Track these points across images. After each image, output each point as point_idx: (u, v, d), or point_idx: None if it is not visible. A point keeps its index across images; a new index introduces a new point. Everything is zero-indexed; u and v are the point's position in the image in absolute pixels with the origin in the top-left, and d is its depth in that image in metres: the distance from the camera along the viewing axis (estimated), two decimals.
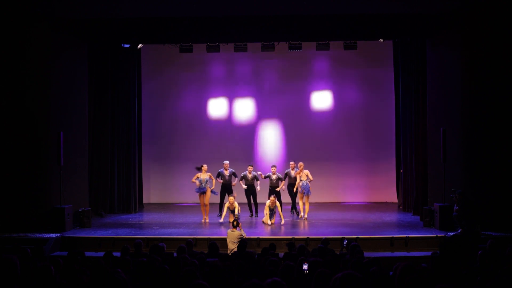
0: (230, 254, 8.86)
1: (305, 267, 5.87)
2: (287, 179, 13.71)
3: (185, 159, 16.79)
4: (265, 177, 13.69)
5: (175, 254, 7.64)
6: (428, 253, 9.03)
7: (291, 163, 13.79)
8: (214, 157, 16.10)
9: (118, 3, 11.49)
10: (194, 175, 13.16)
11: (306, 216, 13.09)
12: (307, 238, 10.66)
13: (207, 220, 12.96)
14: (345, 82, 16.80)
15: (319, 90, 16.87)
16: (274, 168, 13.77)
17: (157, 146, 16.92)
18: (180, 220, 13.35)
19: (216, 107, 16.93)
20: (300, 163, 13.32)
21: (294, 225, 12.45)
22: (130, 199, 14.89)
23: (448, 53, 12.24)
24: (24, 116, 11.75)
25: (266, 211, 12.41)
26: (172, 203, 16.48)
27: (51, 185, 11.94)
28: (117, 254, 7.81)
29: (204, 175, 13.05)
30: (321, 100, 16.85)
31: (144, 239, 9.94)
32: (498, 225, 10.84)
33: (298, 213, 13.61)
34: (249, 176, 13.60)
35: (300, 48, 13.92)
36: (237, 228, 10.43)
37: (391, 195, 16.35)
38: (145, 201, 16.31)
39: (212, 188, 13.12)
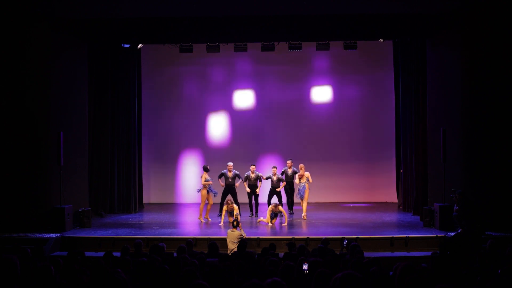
0: (230, 254, 8.86)
1: (305, 267, 5.87)
2: (284, 177, 13.78)
3: (185, 159, 16.82)
4: (266, 179, 13.70)
5: (175, 254, 7.64)
6: (428, 253, 9.04)
7: (288, 161, 13.88)
8: (214, 157, 16.13)
9: (118, 3, 11.49)
10: (200, 176, 13.08)
11: (304, 214, 13.22)
12: (307, 238, 10.66)
13: (209, 219, 13.00)
14: (345, 82, 16.80)
15: (320, 90, 16.88)
16: (275, 169, 13.77)
17: (157, 146, 16.92)
18: (180, 220, 13.36)
19: (216, 107, 16.92)
20: (301, 165, 13.30)
21: (294, 225, 12.44)
22: (130, 199, 14.89)
23: (448, 53, 12.24)
24: (24, 116, 11.75)
25: (268, 216, 12.41)
26: (172, 203, 16.48)
27: (51, 185, 11.94)
28: (117, 254, 7.81)
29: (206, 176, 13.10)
30: (321, 100, 16.86)
31: (144, 239, 9.94)
32: (498, 225, 10.83)
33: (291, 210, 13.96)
34: (252, 176, 13.60)
35: (300, 48, 13.92)
36: (237, 228, 10.43)
37: (391, 195, 16.35)
38: (145, 201, 16.31)
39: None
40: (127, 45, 14.15)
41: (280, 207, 12.49)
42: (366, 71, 16.58)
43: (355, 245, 7.65)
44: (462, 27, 11.58)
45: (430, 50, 13.00)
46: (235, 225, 10.44)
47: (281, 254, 8.05)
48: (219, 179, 13.61)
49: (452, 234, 10.72)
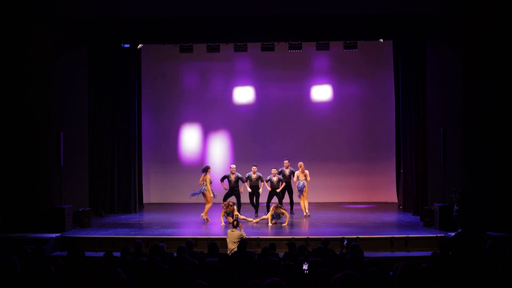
0: (230, 254, 8.86)
1: (305, 267, 5.87)
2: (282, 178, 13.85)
3: (185, 159, 16.82)
4: (267, 181, 13.71)
5: (175, 254, 7.64)
6: (428, 253, 9.03)
7: (285, 161, 13.93)
8: (214, 157, 16.14)
9: (118, 3, 11.49)
10: (202, 177, 13.09)
11: (307, 212, 13.40)
12: (307, 238, 10.66)
13: (209, 219, 13.03)
14: (345, 82, 16.80)
15: (320, 90, 16.88)
16: (275, 170, 13.78)
17: (157, 146, 16.92)
18: (180, 220, 13.36)
19: (216, 107, 16.92)
20: (300, 163, 13.43)
21: (294, 225, 12.44)
22: (130, 199, 14.88)
23: (448, 53, 12.24)
24: (24, 116, 11.75)
25: (269, 216, 12.43)
26: (172, 203, 16.48)
27: (51, 185, 11.94)
28: (117, 254, 7.81)
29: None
30: (321, 100, 16.86)
31: (144, 239, 9.94)
32: (498, 225, 10.83)
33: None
34: (254, 176, 13.62)
35: (300, 48, 13.93)
36: (237, 228, 10.43)
37: (391, 195, 16.34)
38: (145, 201, 16.31)
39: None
40: (127, 45, 14.15)
41: (281, 208, 12.50)
42: (366, 71, 16.58)
43: (355, 245, 7.65)
44: (462, 27, 11.58)
45: (430, 50, 13.00)
46: (235, 225, 10.43)
47: (281, 254, 8.05)
48: (222, 182, 13.64)
49: (453, 234, 10.72)
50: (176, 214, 14.38)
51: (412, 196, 14.09)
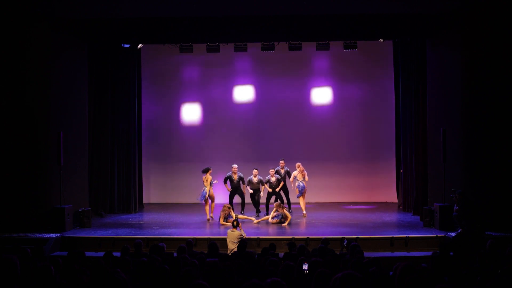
0: (230, 254, 8.86)
1: (305, 267, 5.88)
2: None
3: (185, 159, 16.82)
4: (266, 182, 13.72)
5: (175, 254, 7.64)
6: (428, 253, 9.03)
7: (281, 161, 13.96)
8: (214, 157, 16.12)
9: (118, 3, 11.49)
10: (204, 178, 13.10)
11: (305, 213, 13.43)
12: (307, 238, 10.66)
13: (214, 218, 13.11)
14: (345, 82, 16.79)
15: (319, 90, 16.88)
16: (273, 170, 13.79)
17: (157, 146, 16.92)
18: (180, 220, 13.36)
19: (216, 107, 16.93)
20: (298, 163, 13.46)
21: (294, 225, 12.44)
22: (130, 199, 14.88)
23: (448, 53, 12.24)
24: (24, 116, 11.75)
25: (273, 214, 12.45)
26: (172, 203, 16.47)
27: (51, 185, 11.94)
28: (117, 254, 7.81)
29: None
30: (321, 100, 16.87)
31: (144, 239, 9.94)
32: (498, 225, 10.83)
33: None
34: (255, 180, 13.64)
35: (300, 48, 13.93)
36: (237, 228, 10.43)
37: (391, 195, 16.34)
38: (145, 201, 16.31)
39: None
40: (127, 45, 14.15)
41: (284, 208, 12.49)
42: (366, 71, 16.58)
43: (355, 245, 7.65)
44: (462, 27, 11.57)
45: (430, 50, 13.00)
46: (235, 225, 10.44)
47: (281, 254, 8.05)
48: (225, 184, 13.67)
49: (453, 234, 10.72)
50: (176, 214, 14.37)
51: (412, 196, 14.09)
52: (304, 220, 13.05)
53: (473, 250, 8.05)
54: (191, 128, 16.92)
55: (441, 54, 12.55)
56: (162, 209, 15.49)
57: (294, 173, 13.52)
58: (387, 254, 10.30)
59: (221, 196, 14.63)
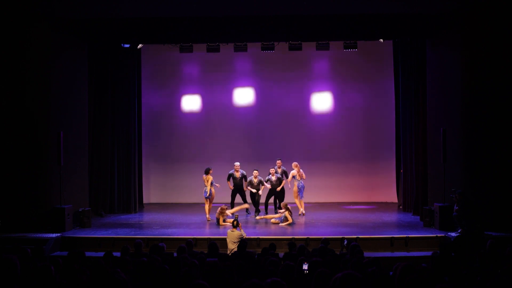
0: (230, 254, 8.86)
1: (305, 267, 5.87)
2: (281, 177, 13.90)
3: (185, 159, 16.82)
4: (266, 181, 13.73)
5: (175, 254, 7.64)
6: (428, 253, 9.03)
7: (278, 161, 13.97)
8: (214, 157, 16.12)
9: (118, 3, 11.49)
10: (205, 178, 13.10)
11: (303, 212, 13.52)
12: (307, 238, 10.66)
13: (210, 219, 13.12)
14: (345, 82, 16.79)
15: (319, 90, 16.88)
16: (273, 169, 13.80)
17: (157, 146, 16.92)
18: (180, 220, 13.36)
19: (216, 107, 16.93)
20: (295, 163, 13.48)
21: (294, 225, 12.43)
22: (130, 199, 14.89)
23: (448, 53, 12.24)
24: (24, 116, 11.74)
25: (288, 216, 12.45)
26: (172, 203, 16.47)
27: (51, 185, 11.94)
28: (117, 254, 7.81)
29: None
30: (321, 100, 16.86)
31: (144, 239, 9.93)
32: (498, 225, 10.83)
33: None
34: (255, 181, 13.67)
35: (300, 48, 13.93)
36: (237, 228, 10.43)
37: (391, 195, 16.34)
38: (145, 201, 16.31)
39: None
40: (127, 45, 14.15)
41: (288, 212, 12.47)
42: (366, 71, 16.58)
43: (355, 245, 7.65)
44: (462, 27, 11.57)
45: (430, 50, 13.00)
46: (235, 225, 10.44)
47: (281, 254, 8.05)
48: (228, 182, 13.71)
49: (453, 234, 10.72)
50: (176, 214, 14.38)
51: (412, 196, 14.09)
52: (304, 220, 13.05)
53: (473, 250, 8.05)
54: (191, 128, 16.91)
55: (441, 54, 12.55)
56: (162, 209, 15.49)
57: (293, 172, 13.51)
58: (387, 254, 10.30)
59: (223, 194, 14.58)
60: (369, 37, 13.59)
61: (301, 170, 13.50)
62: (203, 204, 13.49)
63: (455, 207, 10.94)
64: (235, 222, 10.51)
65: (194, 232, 11.52)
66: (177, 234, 11.32)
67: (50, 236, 10.99)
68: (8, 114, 11.73)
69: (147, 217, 14.18)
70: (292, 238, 10.51)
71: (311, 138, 16.73)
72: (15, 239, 10.52)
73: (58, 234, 11.17)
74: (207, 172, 13.10)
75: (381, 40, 14.01)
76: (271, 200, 14.01)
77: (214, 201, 13.39)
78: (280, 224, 12.35)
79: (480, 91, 11.30)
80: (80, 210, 12.33)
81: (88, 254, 8.38)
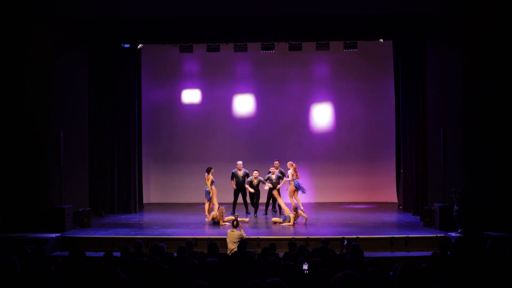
0: (230, 254, 8.86)
1: (305, 267, 5.87)
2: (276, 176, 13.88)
3: (185, 159, 16.82)
4: (266, 180, 13.73)
5: (175, 254, 7.63)
6: (428, 253, 9.03)
7: (276, 162, 13.97)
8: (214, 157, 16.12)
9: (118, 3, 11.48)
10: (206, 177, 13.11)
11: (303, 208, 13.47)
12: (307, 238, 10.66)
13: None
14: (345, 82, 16.78)
15: (319, 91, 16.87)
16: (273, 168, 13.80)
17: (157, 146, 16.92)
18: (180, 220, 13.36)
19: (216, 107, 16.93)
20: (290, 162, 13.50)
21: (294, 225, 12.42)
22: (130, 199, 14.89)
23: (448, 53, 12.24)
24: (24, 116, 11.74)
25: (292, 221, 12.41)
26: (172, 203, 16.47)
27: (51, 185, 11.94)
28: (117, 254, 7.81)
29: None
30: (321, 100, 16.85)
31: (144, 239, 9.94)
32: (498, 225, 10.83)
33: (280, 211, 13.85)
34: (255, 181, 13.68)
35: (300, 48, 13.91)
36: (237, 228, 10.43)
37: (391, 195, 16.34)
38: (145, 201, 16.31)
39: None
40: (127, 45, 14.15)
41: (294, 214, 12.44)
42: (366, 71, 16.58)
43: (355, 245, 7.65)
44: (462, 27, 11.58)
45: (430, 50, 13.00)
46: (235, 225, 10.44)
47: (281, 254, 8.05)
48: (232, 181, 13.75)
49: (453, 234, 10.72)
50: (176, 214, 14.38)
51: (412, 196, 14.09)
52: (304, 220, 13.03)
53: (473, 250, 8.05)
54: (191, 128, 16.90)
55: (441, 54, 12.55)
56: (162, 209, 15.49)
57: (290, 171, 13.51)
58: (387, 254, 10.30)
59: (225, 193, 14.56)
60: (369, 37, 13.59)
61: (296, 168, 13.49)
62: (203, 204, 13.45)
63: (455, 207, 10.94)
64: (235, 222, 10.51)
65: (194, 232, 11.52)
66: (177, 234, 11.32)
67: (50, 236, 10.99)
68: (8, 114, 11.73)
69: (147, 217, 14.18)
70: (292, 238, 10.51)
71: (311, 138, 16.72)
72: (15, 239, 10.53)
73: (58, 234, 11.17)
74: (208, 171, 13.12)
75: (381, 40, 14.00)
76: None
77: (214, 201, 13.37)
78: (282, 224, 12.34)
79: (480, 91, 11.30)
80: (80, 210, 12.33)
81: (88, 254, 8.37)
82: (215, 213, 12.50)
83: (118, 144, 14.84)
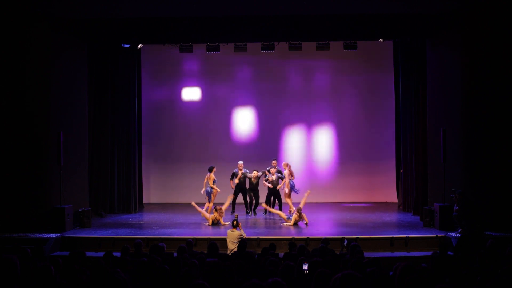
0: (230, 254, 8.86)
1: (305, 267, 5.88)
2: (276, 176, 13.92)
3: (185, 159, 16.82)
4: (266, 180, 13.74)
5: (175, 254, 7.63)
6: (428, 253, 9.03)
7: (274, 162, 13.98)
8: (214, 157, 16.12)
9: (118, 3, 11.48)
10: (208, 177, 13.13)
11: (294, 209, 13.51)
12: (307, 238, 10.66)
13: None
14: (346, 82, 16.79)
15: (319, 90, 16.87)
16: (273, 168, 13.80)
17: (157, 146, 16.92)
18: (180, 220, 13.36)
19: (216, 107, 16.93)
20: (286, 162, 13.52)
21: (294, 225, 12.42)
22: (130, 199, 14.89)
23: (448, 53, 12.24)
24: (24, 116, 11.74)
25: (292, 222, 12.39)
26: (172, 203, 16.47)
27: (51, 185, 11.94)
28: (117, 254, 7.81)
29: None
30: (321, 99, 16.85)
31: (144, 239, 9.93)
32: (498, 225, 10.83)
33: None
34: (255, 181, 13.69)
35: (300, 48, 13.92)
36: (237, 228, 10.43)
37: (391, 195, 16.34)
38: (145, 201, 16.31)
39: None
40: (127, 45, 14.16)
41: (296, 216, 12.44)
42: (366, 71, 16.58)
43: (355, 245, 7.65)
44: (462, 27, 11.58)
45: (430, 50, 13.00)
46: (235, 225, 10.43)
47: (281, 254, 8.05)
48: (231, 181, 13.78)
49: (453, 234, 10.72)
50: (176, 214, 14.37)
51: (412, 196, 14.09)
52: (292, 221, 13.03)
53: (473, 250, 8.05)
54: (191, 128, 16.90)
55: (441, 54, 12.55)
56: (162, 209, 15.49)
57: (285, 172, 13.53)
58: (387, 254, 10.30)
59: (224, 194, 14.55)
60: (369, 37, 13.59)
61: (291, 168, 13.56)
62: (203, 205, 13.45)
63: (455, 207, 10.95)
64: (235, 222, 10.51)
65: (194, 232, 11.52)
66: (177, 234, 11.32)
67: (50, 236, 10.99)
68: (8, 114, 11.73)
69: (147, 217, 14.18)
70: (292, 238, 10.51)
71: (311, 138, 16.72)
72: (15, 239, 10.52)
73: (58, 234, 11.17)
74: (210, 170, 13.15)
75: (381, 40, 14.01)
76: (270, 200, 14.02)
77: (214, 201, 13.41)
78: (283, 224, 12.34)
79: (480, 91, 11.30)
80: (80, 210, 12.33)
81: (88, 254, 8.37)
82: (213, 215, 12.49)
83: (118, 144, 14.84)
